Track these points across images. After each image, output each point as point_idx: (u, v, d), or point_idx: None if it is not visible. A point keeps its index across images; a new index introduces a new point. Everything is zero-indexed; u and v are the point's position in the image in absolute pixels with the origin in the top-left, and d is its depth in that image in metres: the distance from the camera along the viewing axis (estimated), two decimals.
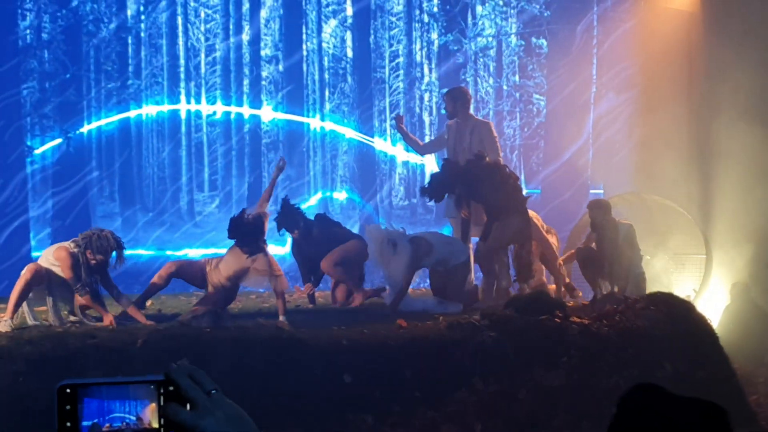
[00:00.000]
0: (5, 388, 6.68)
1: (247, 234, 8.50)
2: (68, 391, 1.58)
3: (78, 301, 8.09)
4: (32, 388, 6.71)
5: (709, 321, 8.44)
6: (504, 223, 9.09)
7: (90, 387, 1.59)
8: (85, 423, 1.58)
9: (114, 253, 8.09)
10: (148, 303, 8.87)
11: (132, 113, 24.53)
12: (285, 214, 9.77)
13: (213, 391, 1.57)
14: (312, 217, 10.02)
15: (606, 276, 9.30)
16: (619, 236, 9.29)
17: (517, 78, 25.46)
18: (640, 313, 7.96)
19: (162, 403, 1.59)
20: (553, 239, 9.95)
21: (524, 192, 10.17)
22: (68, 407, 1.57)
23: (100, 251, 7.94)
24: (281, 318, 8.12)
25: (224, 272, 8.60)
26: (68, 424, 1.57)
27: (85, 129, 22.07)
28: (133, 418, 1.60)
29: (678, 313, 8.09)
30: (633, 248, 9.34)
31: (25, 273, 7.91)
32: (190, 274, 8.84)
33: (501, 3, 24.60)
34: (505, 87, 25.70)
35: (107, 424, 1.58)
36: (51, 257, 8.05)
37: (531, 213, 9.57)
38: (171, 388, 1.58)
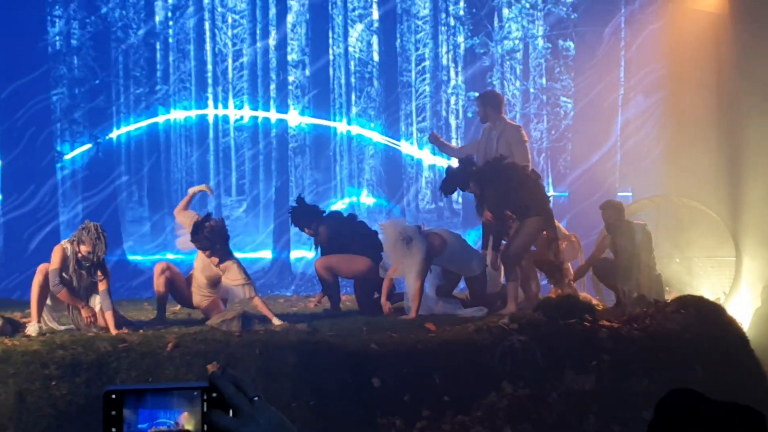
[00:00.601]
0: (37, 391, 6.74)
1: (210, 239, 8.47)
2: (114, 396, 1.59)
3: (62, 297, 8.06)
4: (64, 392, 6.76)
5: (739, 324, 8.39)
6: (524, 225, 8.99)
7: (135, 393, 1.60)
8: (130, 430, 1.60)
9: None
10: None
11: (160, 118, 24.66)
12: (298, 212, 9.70)
13: (256, 398, 1.59)
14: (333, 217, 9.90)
15: (623, 278, 9.24)
16: (635, 237, 9.23)
17: (544, 81, 25.39)
18: (670, 316, 7.93)
19: (205, 410, 1.60)
20: (573, 245, 9.85)
21: (548, 193, 10.11)
22: (114, 413, 1.59)
23: (83, 242, 7.94)
24: (275, 321, 8.09)
25: (200, 281, 8.66)
26: (113, 429, 1.59)
27: (114, 134, 22.24)
28: (172, 422, 1.61)
29: (708, 316, 8.05)
30: (649, 250, 9.26)
31: (37, 274, 8.01)
32: (180, 285, 8.87)
33: (528, 6, 24.55)
34: (531, 90, 25.63)
35: (152, 428, 1.60)
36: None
37: None
38: (214, 394, 1.60)
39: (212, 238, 8.46)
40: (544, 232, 9.16)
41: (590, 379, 7.19)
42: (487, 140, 10.05)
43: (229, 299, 8.75)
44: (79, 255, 7.96)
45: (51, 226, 17.38)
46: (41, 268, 8.02)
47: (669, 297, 8.97)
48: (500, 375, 7.22)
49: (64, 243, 8.11)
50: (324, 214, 9.81)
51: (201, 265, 8.72)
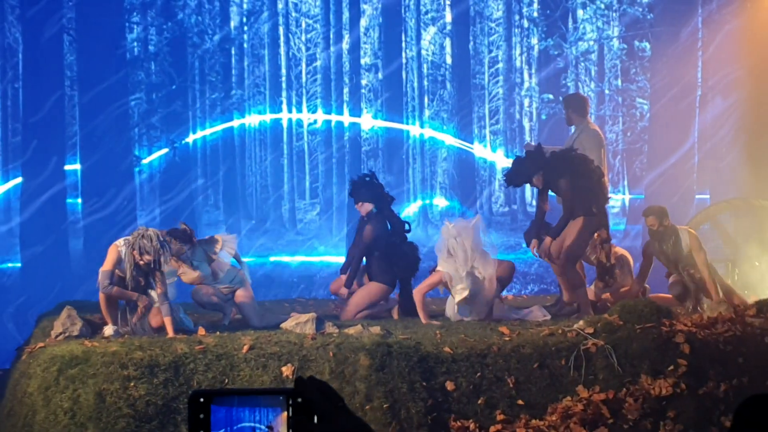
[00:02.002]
0: (116, 392, 6.86)
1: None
2: (201, 400, 1.62)
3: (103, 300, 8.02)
4: (142, 393, 6.88)
5: None
6: (579, 222, 8.78)
7: (222, 397, 1.63)
8: None
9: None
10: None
11: (235, 123, 24.97)
12: (364, 183, 9.26)
13: (340, 405, 1.62)
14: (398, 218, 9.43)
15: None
16: (680, 242, 9.00)
17: (619, 82, 25.14)
18: (749, 320, 7.78)
19: (290, 414, 1.62)
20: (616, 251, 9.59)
21: (608, 193, 9.94)
22: (202, 416, 1.61)
23: (144, 250, 7.83)
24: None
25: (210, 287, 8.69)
26: None
27: (190, 139, 22.59)
28: (264, 427, 1.63)
29: None
30: (699, 251, 8.99)
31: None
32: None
33: (603, 6, 24.31)
34: (607, 91, 25.39)
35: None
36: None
37: None
38: (299, 399, 1.62)
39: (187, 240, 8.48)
40: (596, 234, 8.98)
41: (667, 383, 7.09)
42: (567, 143, 9.99)
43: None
44: (141, 263, 7.89)
45: (129, 230, 17.70)
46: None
47: (749, 301, 8.80)
48: (575, 379, 7.16)
49: (120, 243, 7.99)
50: (388, 207, 9.29)
51: (191, 277, 8.66)
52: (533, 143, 10.44)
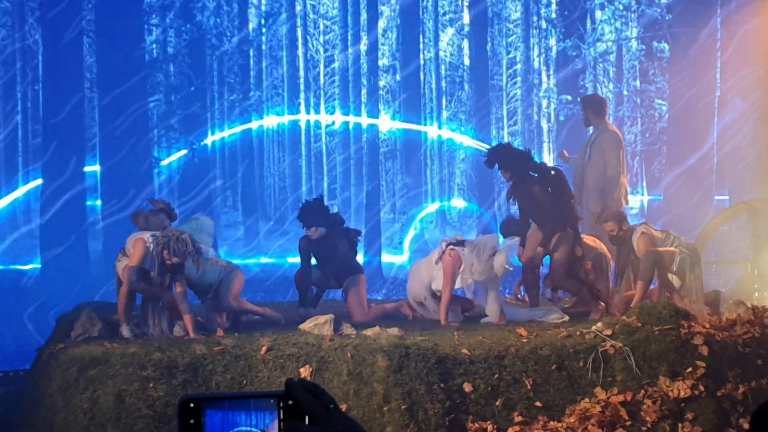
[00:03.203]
0: (135, 392, 6.90)
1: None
2: (191, 405, 1.62)
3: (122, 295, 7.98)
4: (161, 394, 6.91)
5: None
6: (561, 238, 8.77)
7: (213, 400, 1.63)
8: None
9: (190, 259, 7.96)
10: None
11: (254, 124, 25.05)
12: (310, 208, 9.17)
13: (331, 406, 1.62)
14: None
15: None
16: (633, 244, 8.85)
17: (637, 83, 25.07)
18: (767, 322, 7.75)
19: (282, 417, 1.63)
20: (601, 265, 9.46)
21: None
22: (192, 421, 1.61)
23: (177, 254, 7.81)
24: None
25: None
26: None
27: (209, 140, 22.67)
28: (257, 431, 1.64)
29: None
30: (650, 254, 8.78)
31: (125, 282, 7.96)
32: None
33: (621, 7, 24.25)
34: (625, 92, 25.33)
35: None
36: (129, 246, 8.06)
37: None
38: (290, 402, 1.62)
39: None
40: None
41: (685, 385, 7.07)
42: (586, 145, 9.97)
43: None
44: (168, 262, 7.88)
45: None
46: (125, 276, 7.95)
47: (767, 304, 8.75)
48: (593, 381, 7.15)
49: (147, 239, 7.96)
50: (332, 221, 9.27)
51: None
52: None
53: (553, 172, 8.96)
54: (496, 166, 9.00)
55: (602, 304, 8.87)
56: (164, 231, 8.09)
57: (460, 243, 8.65)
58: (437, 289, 8.71)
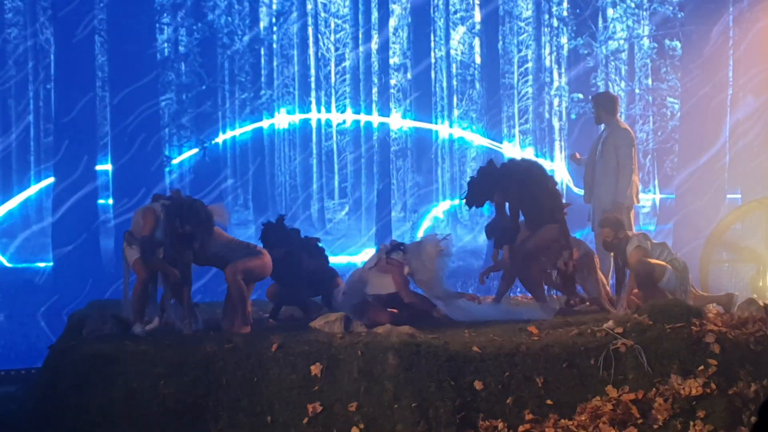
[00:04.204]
0: (147, 390, 6.93)
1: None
2: None
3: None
4: (172, 391, 6.93)
5: None
6: (540, 230, 8.68)
7: None
8: None
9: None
10: None
11: (265, 123, 25.08)
12: (272, 229, 8.93)
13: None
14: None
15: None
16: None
17: (649, 81, 25.02)
18: None
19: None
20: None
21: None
22: None
23: (189, 221, 7.68)
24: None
25: None
26: None
27: (220, 139, 22.71)
28: None
29: None
30: (640, 264, 8.70)
31: (139, 278, 7.85)
32: None
33: (633, 5, 24.19)
34: (637, 90, 25.27)
35: None
36: (138, 218, 7.85)
37: None
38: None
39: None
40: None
41: (697, 383, 7.05)
42: (596, 143, 9.93)
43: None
44: (180, 231, 7.71)
45: None
46: (141, 278, 7.84)
47: None
48: (604, 379, 7.14)
49: (157, 208, 7.79)
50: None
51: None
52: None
53: (525, 162, 8.94)
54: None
55: (588, 302, 8.87)
56: (175, 199, 7.90)
57: (397, 247, 8.47)
58: (372, 294, 8.48)
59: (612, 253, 9.13)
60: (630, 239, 8.74)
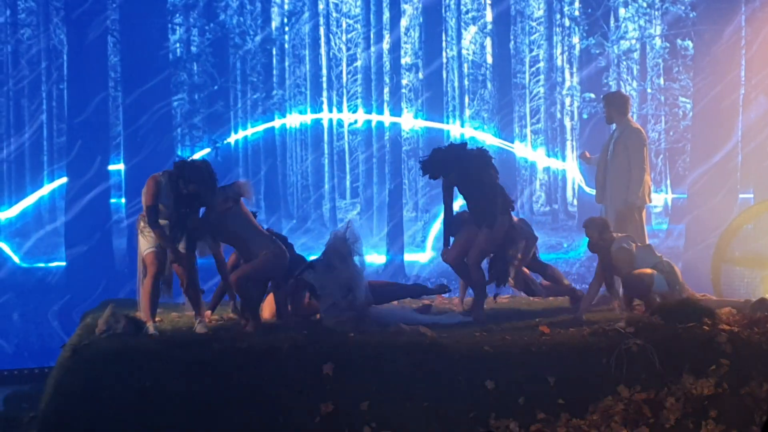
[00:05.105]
0: (159, 389, 6.95)
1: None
2: None
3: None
4: (184, 390, 6.95)
5: None
6: (493, 226, 8.68)
7: None
8: None
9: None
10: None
11: (276, 123, 25.09)
12: None
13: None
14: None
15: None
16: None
17: (661, 81, 24.94)
18: None
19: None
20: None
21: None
22: None
23: (191, 180, 7.62)
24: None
25: None
26: None
27: (232, 139, 22.74)
28: None
29: None
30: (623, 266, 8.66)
31: (148, 278, 7.82)
32: None
33: (645, 5, 24.14)
34: (649, 90, 25.19)
35: None
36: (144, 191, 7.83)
37: None
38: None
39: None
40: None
41: (709, 383, 7.04)
42: (608, 143, 9.92)
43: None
44: (184, 191, 7.67)
45: None
46: (151, 272, 7.85)
47: None
48: (616, 378, 7.13)
49: (159, 175, 7.79)
50: None
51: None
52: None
53: (478, 149, 9.04)
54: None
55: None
56: (177, 164, 7.88)
57: (309, 266, 8.24)
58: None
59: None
60: (615, 241, 8.68)
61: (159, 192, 7.73)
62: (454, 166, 8.82)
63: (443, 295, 9.59)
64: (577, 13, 25.70)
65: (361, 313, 8.09)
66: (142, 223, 7.94)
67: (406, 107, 26.06)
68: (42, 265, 20.57)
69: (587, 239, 8.87)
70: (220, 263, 8.22)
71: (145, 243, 7.90)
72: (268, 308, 8.40)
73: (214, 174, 7.81)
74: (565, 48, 27.53)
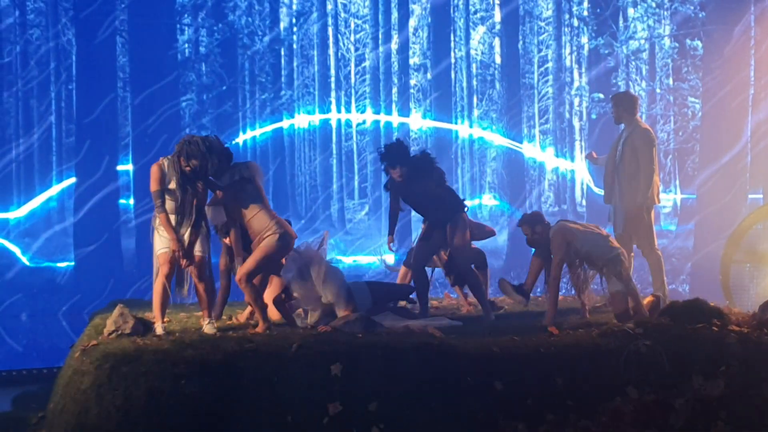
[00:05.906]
0: (168, 390, 6.94)
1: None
2: None
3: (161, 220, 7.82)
4: (193, 391, 6.94)
5: None
6: (455, 227, 8.79)
7: None
8: None
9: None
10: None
11: (285, 123, 25.13)
12: None
13: None
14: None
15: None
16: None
17: (670, 81, 24.91)
18: None
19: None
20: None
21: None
22: None
23: (191, 156, 7.66)
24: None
25: None
26: None
27: (240, 139, 22.77)
28: None
29: None
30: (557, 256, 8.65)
31: (159, 277, 7.87)
32: None
33: (654, 5, 24.11)
34: (658, 90, 25.16)
35: None
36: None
37: None
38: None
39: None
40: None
41: (719, 384, 7.02)
42: (617, 143, 9.90)
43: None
44: (187, 169, 7.72)
45: None
46: (163, 272, 7.88)
47: None
48: (626, 380, 7.11)
49: (161, 160, 7.87)
50: None
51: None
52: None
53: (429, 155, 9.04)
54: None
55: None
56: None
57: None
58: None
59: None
60: (551, 229, 8.71)
61: (163, 177, 7.82)
62: (405, 162, 8.93)
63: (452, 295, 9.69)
64: (585, 13, 25.69)
65: (368, 313, 8.17)
66: (157, 221, 7.93)
67: (415, 107, 26.08)
68: (50, 265, 20.63)
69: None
70: (235, 239, 8.22)
71: (160, 242, 7.93)
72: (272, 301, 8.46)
73: (217, 147, 7.85)
74: (574, 48, 27.52)
